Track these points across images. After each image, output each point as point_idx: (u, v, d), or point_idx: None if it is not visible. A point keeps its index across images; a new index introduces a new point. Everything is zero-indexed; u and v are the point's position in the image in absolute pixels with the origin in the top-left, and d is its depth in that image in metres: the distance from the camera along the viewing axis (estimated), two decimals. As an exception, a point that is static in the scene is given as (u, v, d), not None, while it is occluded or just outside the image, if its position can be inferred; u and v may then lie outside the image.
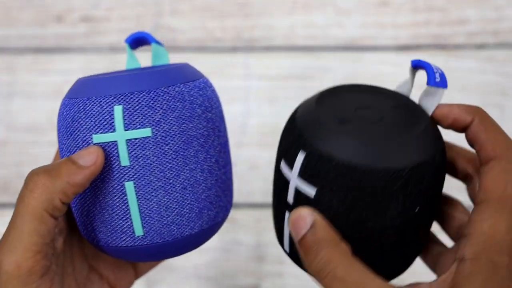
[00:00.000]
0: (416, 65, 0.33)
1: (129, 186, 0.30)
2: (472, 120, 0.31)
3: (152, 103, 0.30)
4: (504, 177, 0.28)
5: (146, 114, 0.30)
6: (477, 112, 0.31)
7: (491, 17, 0.58)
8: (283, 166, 0.31)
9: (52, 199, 0.29)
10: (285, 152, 0.31)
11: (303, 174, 0.29)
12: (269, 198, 0.36)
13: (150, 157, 0.30)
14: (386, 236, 0.29)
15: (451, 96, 0.57)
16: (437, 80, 0.32)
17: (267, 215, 0.55)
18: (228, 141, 0.36)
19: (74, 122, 0.31)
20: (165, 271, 0.56)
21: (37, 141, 0.59)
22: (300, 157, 0.29)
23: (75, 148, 0.31)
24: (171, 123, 0.31)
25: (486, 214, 0.27)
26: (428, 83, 0.32)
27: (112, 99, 0.30)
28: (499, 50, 0.58)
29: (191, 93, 0.32)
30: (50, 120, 0.59)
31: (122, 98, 0.30)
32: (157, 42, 0.36)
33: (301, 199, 0.30)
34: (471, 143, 0.31)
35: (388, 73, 0.58)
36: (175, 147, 0.31)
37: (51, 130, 0.59)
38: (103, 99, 0.30)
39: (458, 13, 0.59)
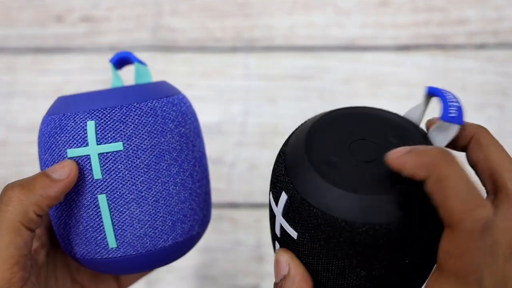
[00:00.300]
0: (432, 93, 0.30)
1: (102, 199, 0.31)
2: (427, 178, 0.26)
3: (124, 118, 0.31)
4: (458, 252, 0.25)
5: (118, 128, 0.31)
6: (433, 163, 0.25)
7: (491, 17, 0.58)
8: (271, 198, 0.31)
9: (27, 211, 0.30)
10: (273, 185, 0.30)
11: (286, 216, 0.29)
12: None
13: (122, 170, 0.31)
14: (371, 284, 0.28)
15: (451, 96, 0.57)
16: (451, 115, 0.28)
17: (267, 215, 0.55)
18: (205, 156, 0.36)
19: (50, 138, 0.32)
20: (165, 271, 0.56)
21: (37, 141, 0.59)
22: (284, 198, 0.29)
23: (52, 163, 0.32)
24: (143, 137, 0.31)
25: (439, 284, 0.26)
26: (441, 116, 0.28)
27: (86, 114, 0.31)
28: (499, 50, 0.58)
29: (164, 108, 0.33)
30: (50, 120, 0.59)
31: (95, 114, 0.31)
32: (140, 62, 0.37)
33: (285, 236, 0.29)
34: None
35: (388, 73, 0.58)
36: (147, 161, 0.31)
37: (51, 130, 0.59)
38: (77, 115, 0.31)
39: (458, 13, 0.59)
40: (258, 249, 0.56)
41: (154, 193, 0.32)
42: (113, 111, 0.31)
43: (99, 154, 0.31)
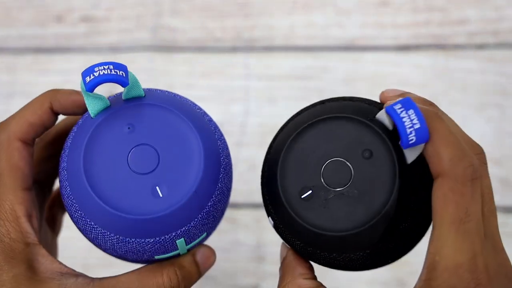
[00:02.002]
0: (389, 115, 0.28)
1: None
2: None
3: (206, 220, 0.32)
4: (453, 198, 0.26)
5: (202, 229, 0.32)
6: (427, 116, 0.27)
7: (491, 17, 0.58)
8: (264, 207, 0.33)
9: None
10: (263, 201, 0.33)
11: (277, 231, 0.32)
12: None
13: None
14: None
15: (451, 96, 0.57)
16: (411, 142, 0.27)
17: (267, 215, 0.55)
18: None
19: (141, 246, 0.31)
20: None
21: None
22: (271, 221, 0.32)
23: (139, 263, 0.34)
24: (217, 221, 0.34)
25: (441, 240, 0.26)
26: (401, 144, 0.27)
27: (174, 236, 0.31)
28: (499, 50, 0.58)
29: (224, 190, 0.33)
30: (50, 120, 0.59)
31: (183, 233, 0.31)
32: (124, 80, 0.32)
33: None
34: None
35: (388, 73, 0.58)
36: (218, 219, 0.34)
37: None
38: (167, 238, 0.31)
39: (458, 13, 0.59)
40: (258, 249, 0.56)
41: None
42: (196, 223, 0.31)
43: (188, 249, 0.32)
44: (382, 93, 0.31)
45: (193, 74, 0.59)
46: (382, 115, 0.29)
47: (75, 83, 0.60)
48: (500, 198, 0.54)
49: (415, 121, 0.27)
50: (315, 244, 0.30)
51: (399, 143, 0.28)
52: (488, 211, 0.28)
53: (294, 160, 0.31)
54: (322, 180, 0.30)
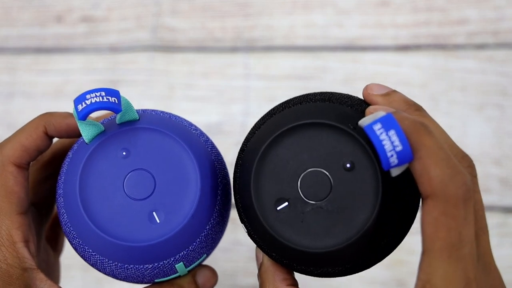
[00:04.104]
0: (367, 135, 0.25)
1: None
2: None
3: (205, 247, 0.32)
4: (445, 222, 0.24)
5: (202, 252, 0.32)
6: (411, 132, 0.25)
7: (491, 17, 0.58)
8: (237, 213, 0.31)
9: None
10: (235, 203, 0.31)
11: (251, 238, 0.30)
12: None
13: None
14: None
15: (451, 96, 0.57)
16: (393, 164, 0.25)
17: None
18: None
19: (141, 271, 0.31)
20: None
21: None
22: (244, 229, 0.30)
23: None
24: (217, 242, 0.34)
25: (432, 267, 0.25)
26: (382, 166, 0.25)
27: (173, 261, 0.31)
28: (499, 50, 0.58)
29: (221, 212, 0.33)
30: (50, 120, 0.59)
31: (182, 257, 0.31)
32: (117, 106, 0.30)
33: None
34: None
35: (388, 73, 0.58)
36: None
37: (51, 130, 0.59)
38: (166, 263, 0.31)
39: (458, 13, 0.59)
40: (258, 249, 0.56)
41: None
42: (195, 247, 0.31)
43: (188, 270, 0.32)
44: (366, 88, 0.29)
45: (193, 74, 0.59)
46: (364, 123, 0.27)
47: (75, 83, 0.60)
48: (500, 198, 0.54)
49: (396, 142, 0.24)
50: (291, 258, 0.28)
51: (383, 167, 0.25)
52: (479, 229, 0.26)
53: (269, 168, 0.28)
54: (300, 192, 0.28)
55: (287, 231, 0.28)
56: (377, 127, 0.25)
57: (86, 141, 0.31)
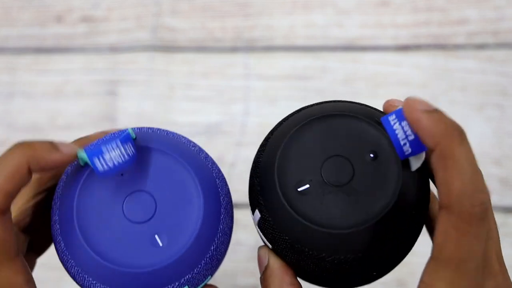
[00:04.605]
0: (383, 125, 0.27)
1: None
2: (433, 149, 0.24)
3: (205, 275, 0.31)
4: (455, 236, 0.24)
5: (203, 280, 0.31)
6: (444, 136, 0.24)
7: (491, 17, 0.58)
8: (249, 201, 0.31)
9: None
10: (250, 193, 0.31)
11: (260, 228, 0.30)
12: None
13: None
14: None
15: (451, 96, 0.57)
16: (407, 153, 0.27)
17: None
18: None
19: None
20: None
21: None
22: (257, 215, 0.30)
23: None
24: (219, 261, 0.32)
25: (438, 273, 0.25)
26: (399, 155, 0.27)
27: (177, 285, 0.29)
28: (499, 50, 0.58)
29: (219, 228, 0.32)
30: (50, 120, 0.59)
31: (187, 281, 0.29)
32: (135, 156, 0.29)
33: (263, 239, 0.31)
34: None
35: (388, 73, 0.58)
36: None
37: (51, 130, 0.59)
38: None
39: (458, 13, 0.59)
40: (258, 249, 0.56)
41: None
42: (200, 269, 0.30)
43: None
44: (387, 102, 0.30)
45: (193, 74, 0.59)
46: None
47: (75, 83, 0.60)
48: (500, 198, 0.54)
49: (409, 132, 0.26)
50: (305, 240, 0.28)
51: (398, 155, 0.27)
52: (488, 239, 0.26)
53: (295, 151, 0.29)
54: (322, 175, 0.28)
55: (306, 210, 0.28)
56: (392, 118, 0.27)
57: (81, 163, 0.29)
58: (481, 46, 0.58)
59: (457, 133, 0.24)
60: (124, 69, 0.60)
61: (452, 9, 0.59)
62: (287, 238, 0.28)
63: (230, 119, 0.58)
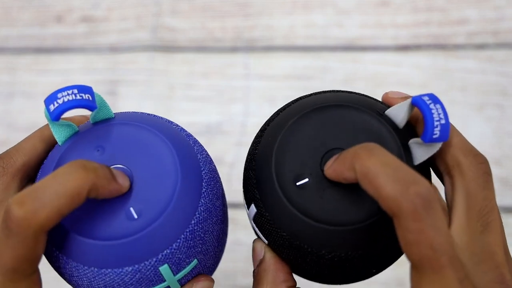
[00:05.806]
0: (416, 105, 0.26)
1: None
2: (357, 176, 0.24)
3: (193, 243, 0.29)
4: (412, 238, 0.23)
5: (191, 254, 0.29)
6: (356, 165, 0.24)
7: (491, 17, 0.58)
8: (244, 195, 0.30)
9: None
10: (244, 188, 0.30)
11: (255, 223, 0.29)
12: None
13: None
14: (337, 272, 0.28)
15: (451, 96, 0.57)
16: (434, 136, 0.25)
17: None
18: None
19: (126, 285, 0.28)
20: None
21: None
22: (253, 209, 0.29)
23: None
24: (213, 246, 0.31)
25: (420, 282, 0.23)
26: (422, 137, 0.26)
27: (156, 262, 0.28)
28: (499, 50, 0.58)
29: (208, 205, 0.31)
30: (50, 120, 0.59)
31: (166, 257, 0.28)
32: (93, 106, 0.29)
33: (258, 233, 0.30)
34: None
35: (388, 73, 0.58)
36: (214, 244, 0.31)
37: (51, 130, 0.59)
38: (148, 265, 0.28)
39: (458, 13, 0.59)
40: (258, 249, 0.56)
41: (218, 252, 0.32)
42: (180, 245, 0.28)
43: (178, 280, 0.29)
44: (386, 94, 0.29)
45: (193, 74, 0.59)
46: (393, 111, 0.28)
47: (75, 83, 0.60)
48: (500, 198, 0.54)
49: (442, 115, 0.25)
50: (304, 237, 0.27)
51: (421, 137, 0.26)
52: (482, 225, 0.26)
53: (293, 143, 0.28)
54: (322, 169, 0.27)
55: (305, 205, 0.27)
56: (426, 98, 0.26)
57: (59, 143, 0.29)
58: (481, 46, 0.58)
59: (361, 149, 0.24)
60: (124, 69, 0.60)
61: (452, 9, 0.59)
62: (284, 234, 0.27)
63: (230, 119, 0.58)
